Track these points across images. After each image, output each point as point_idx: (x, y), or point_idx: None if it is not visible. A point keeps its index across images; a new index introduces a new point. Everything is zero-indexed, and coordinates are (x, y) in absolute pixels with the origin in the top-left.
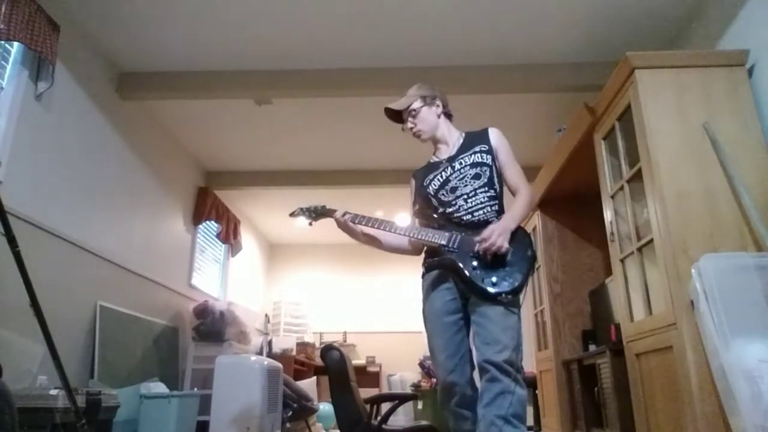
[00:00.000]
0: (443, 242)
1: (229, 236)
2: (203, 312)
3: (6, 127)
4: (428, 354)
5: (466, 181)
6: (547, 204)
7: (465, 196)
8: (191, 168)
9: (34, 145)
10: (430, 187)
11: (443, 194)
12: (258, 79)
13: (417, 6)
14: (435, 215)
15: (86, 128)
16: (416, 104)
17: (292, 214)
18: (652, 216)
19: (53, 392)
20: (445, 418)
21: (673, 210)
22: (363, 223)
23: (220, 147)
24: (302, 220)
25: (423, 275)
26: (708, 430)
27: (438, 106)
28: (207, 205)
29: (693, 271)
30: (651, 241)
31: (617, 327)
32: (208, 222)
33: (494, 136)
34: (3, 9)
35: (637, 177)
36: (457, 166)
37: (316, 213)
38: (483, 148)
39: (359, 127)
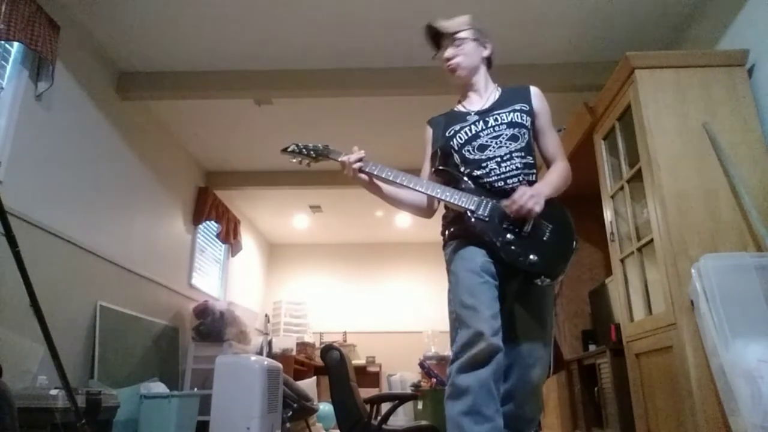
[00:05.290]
0: (472, 207)
1: (229, 236)
2: (203, 312)
3: (6, 127)
4: (428, 354)
5: (501, 141)
6: None
7: (498, 159)
8: (191, 168)
9: (34, 145)
10: (454, 140)
11: (468, 151)
12: (258, 79)
13: (417, 6)
14: (459, 174)
15: (86, 128)
16: (466, 33)
17: (284, 150)
18: (652, 216)
19: (53, 392)
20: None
21: (673, 210)
22: (376, 172)
23: (220, 147)
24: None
25: (444, 244)
26: (708, 430)
27: (486, 48)
28: (207, 205)
29: (693, 271)
30: (651, 241)
31: (617, 327)
32: (208, 222)
33: (536, 97)
34: (3, 9)
35: (637, 177)
36: (491, 122)
37: (317, 153)
38: (524, 108)
39: (360, 127)
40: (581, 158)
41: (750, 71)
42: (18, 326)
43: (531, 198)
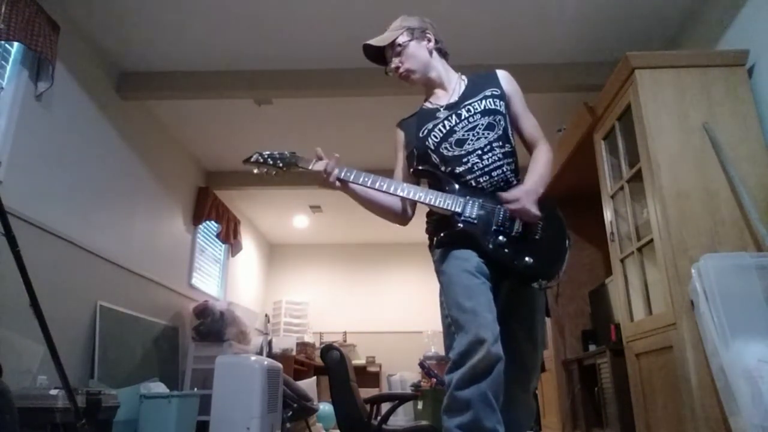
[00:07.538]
0: (458, 209)
1: (229, 236)
2: (203, 312)
3: (6, 127)
4: (428, 354)
5: (477, 132)
6: None
7: (479, 152)
8: (191, 168)
9: (34, 144)
10: (430, 140)
11: (446, 148)
12: (258, 79)
13: (417, 7)
14: (438, 175)
15: (86, 128)
16: (402, 38)
17: (246, 161)
18: (652, 216)
19: (53, 392)
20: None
21: (673, 210)
22: (351, 179)
23: (220, 147)
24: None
25: (431, 246)
26: (708, 430)
27: (429, 40)
28: (207, 205)
29: (693, 271)
30: (651, 241)
31: (617, 327)
32: (208, 222)
33: (506, 79)
34: (3, 9)
35: (637, 177)
36: (464, 113)
37: (284, 162)
38: (495, 92)
39: (359, 127)
40: (581, 158)
41: (750, 71)
42: (18, 326)
43: (533, 203)
